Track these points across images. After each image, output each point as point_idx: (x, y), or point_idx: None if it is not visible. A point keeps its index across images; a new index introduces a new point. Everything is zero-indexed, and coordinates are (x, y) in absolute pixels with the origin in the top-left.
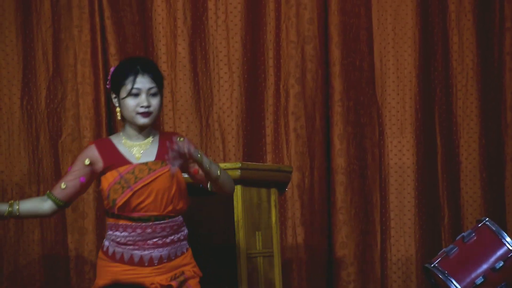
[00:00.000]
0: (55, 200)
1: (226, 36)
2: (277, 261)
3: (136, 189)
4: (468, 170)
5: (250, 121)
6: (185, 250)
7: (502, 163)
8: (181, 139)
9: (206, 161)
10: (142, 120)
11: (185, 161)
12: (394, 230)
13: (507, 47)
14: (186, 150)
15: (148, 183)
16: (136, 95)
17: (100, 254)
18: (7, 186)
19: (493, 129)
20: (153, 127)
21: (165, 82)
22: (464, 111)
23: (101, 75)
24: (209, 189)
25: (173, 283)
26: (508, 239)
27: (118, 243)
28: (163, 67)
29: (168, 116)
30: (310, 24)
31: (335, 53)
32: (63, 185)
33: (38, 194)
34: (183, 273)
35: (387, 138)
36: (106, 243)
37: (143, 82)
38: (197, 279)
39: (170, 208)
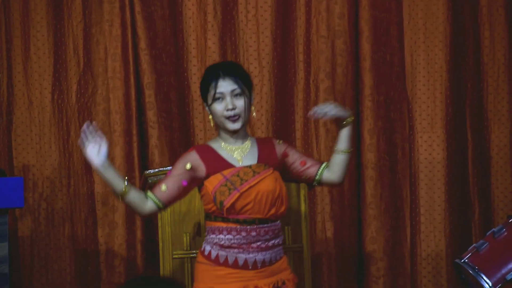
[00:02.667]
0: (155, 201)
1: (256, 31)
2: (306, 255)
3: (242, 190)
4: (499, 166)
5: (280, 115)
6: (282, 255)
7: None
8: (280, 141)
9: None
10: (231, 126)
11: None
12: (424, 225)
13: None
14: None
15: (253, 185)
16: (221, 99)
17: (200, 258)
18: (37, 180)
19: None
20: (246, 129)
21: (196, 77)
22: (495, 106)
23: (131, 70)
24: (317, 179)
25: None
26: None
27: (222, 246)
28: (193, 61)
29: (198, 111)
30: (341, 18)
31: (366, 47)
32: (163, 188)
33: (68, 188)
34: (284, 282)
35: (417, 133)
36: (208, 247)
37: (225, 86)
38: (294, 286)
39: (273, 211)
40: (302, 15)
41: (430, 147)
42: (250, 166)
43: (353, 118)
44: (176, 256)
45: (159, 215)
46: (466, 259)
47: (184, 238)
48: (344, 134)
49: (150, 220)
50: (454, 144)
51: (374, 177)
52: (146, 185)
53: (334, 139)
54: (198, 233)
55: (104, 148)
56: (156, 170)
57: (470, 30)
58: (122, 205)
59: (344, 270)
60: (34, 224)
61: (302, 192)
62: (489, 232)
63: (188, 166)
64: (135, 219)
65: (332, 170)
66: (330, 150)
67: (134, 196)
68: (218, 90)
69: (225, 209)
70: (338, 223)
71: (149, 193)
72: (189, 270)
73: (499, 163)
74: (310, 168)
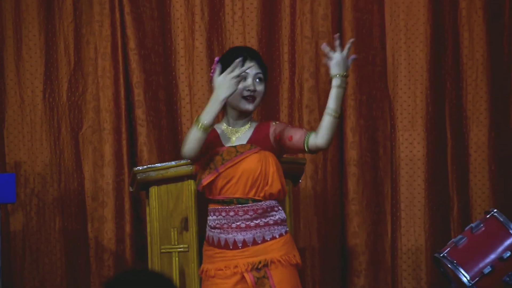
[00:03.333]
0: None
1: (242, 31)
2: None
3: (221, 171)
4: (477, 163)
5: (265, 113)
6: (277, 236)
7: (510, 155)
8: (276, 123)
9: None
10: (246, 106)
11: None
12: (404, 221)
13: None
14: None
15: (233, 165)
16: (244, 78)
17: (205, 240)
18: (29, 176)
19: (502, 122)
20: (252, 115)
21: (183, 76)
22: (474, 105)
23: (121, 69)
24: (306, 149)
25: (249, 277)
26: None
27: (210, 227)
28: (181, 61)
29: (186, 109)
30: (324, 20)
31: None
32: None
33: (59, 184)
34: (267, 263)
35: (398, 131)
36: (207, 230)
37: (253, 67)
38: (287, 269)
39: (253, 191)
40: (287, 16)
41: (410, 145)
42: (235, 147)
43: (343, 76)
44: (164, 250)
45: (147, 211)
46: (445, 253)
47: (172, 233)
48: (332, 94)
49: (139, 215)
50: (434, 142)
51: (356, 174)
52: (135, 182)
53: None
54: (186, 228)
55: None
56: (145, 167)
57: (450, 31)
58: (111, 200)
59: (327, 264)
60: (25, 218)
61: (287, 188)
62: (467, 227)
63: None
64: (124, 214)
65: (318, 134)
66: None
67: (204, 137)
68: (243, 69)
69: (201, 187)
70: (321, 218)
71: None
72: (176, 264)
73: (478, 160)
74: (298, 141)
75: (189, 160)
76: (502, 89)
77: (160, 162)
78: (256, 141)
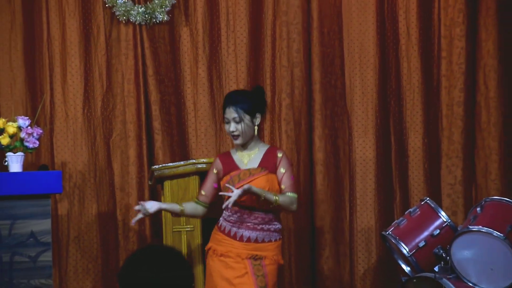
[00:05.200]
0: (202, 205)
1: (235, 61)
2: None
3: (237, 187)
4: (414, 163)
5: None
6: (272, 240)
7: (439, 157)
8: (280, 154)
9: (260, 194)
10: (234, 141)
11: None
12: (359, 207)
13: (443, 70)
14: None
15: (247, 183)
16: (227, 122)
17: (215, 227)
18: (72, 173)
19: (432, 131)
20: (258, 140)
21: (189, 96)
22: (412, 118)
23: (141, 91)
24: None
25: (248, 262)
26: (443, 213)
27: (226, 220)
28: (188, 84)
29: (191, 121)
30: (298, 53)
31: (316, 74)
32: (203, 192)
33: (95, 179)
34: (262, 258)
35: (354, 138)
36: (221, 220)
37: (230, 113)
38: (275, 265)
39: (262, 203)
40: (269, 50)
41: (364, 149)
42: (249, 169)
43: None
44: (175, 229)
45: (162, 199)
46: (389, 231)
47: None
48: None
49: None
50: (381, 146)
51: (322, 171)
52: (153, 177)
53: (293, 142)
54: None
55: (147, 208)
56: (160, 166)
57: (393, 62)
58: (134, 191)
59: (300, 241)
60: (69, 205)
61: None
62: (407, 211)
63: (215, 171)
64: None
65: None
66: (290, 151)
67: (189, 209)
68: (225, 116)
69: (225, 207)
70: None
71: (196, 201)
72: (184, 240)
73: (414, 160)
74: (282, 188)
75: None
76: (433, 106)
77: (172, 162)
78: (265, 166)
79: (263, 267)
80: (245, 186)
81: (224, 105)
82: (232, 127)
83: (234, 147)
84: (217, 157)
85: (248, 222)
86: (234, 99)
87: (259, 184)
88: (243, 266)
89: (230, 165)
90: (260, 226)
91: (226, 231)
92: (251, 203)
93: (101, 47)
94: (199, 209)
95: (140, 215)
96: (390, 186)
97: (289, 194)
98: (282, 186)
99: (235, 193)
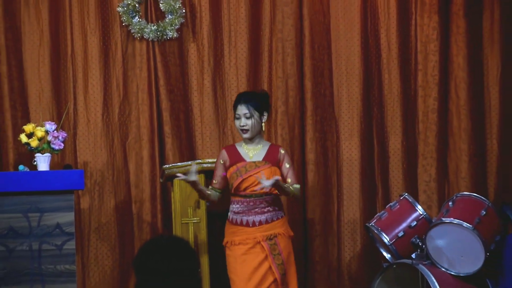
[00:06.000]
0: (217, 191)
1: (236, 73)
2: None
3: (245, 177)
4: (394, 162)
5: None
6: (280, 217)
7: (416, 157)
8: (282, 151)
9: (284, 188)
10: (243, 135)
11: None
12: (346, 201)
13: (419, 81)
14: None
15: (252, 174)
16: (238, 118)
17: (227, 222)
18: (93, 172)
19: (410, 135)
20: (262, 136)
21: (196, 104)
22: (392, 123)
23: (154, 99)
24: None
25: (265, 244)
26: (419, 207)
27: (234, 212)
28: (194, 94)
29: (198, 126)
30: (291, 65)
31: (308, 85)
32: (215, 181)
33: (113, 177)
34: (276, 235)
35: (341, 141)
36: (230, 215)
37: (240, 109)
38: (287, 239)
39: (266, 190)
40: (266, 63)
41: (350, 150)
42: (255, 162)
43: (282, 190)
44: (183, 222)
45: (172, 195)
46: (372, 223)
47: (188, 210)
48: (279, 190)
49: (166, 198)
50: (365, 148)
51: (313, 170)
52: (164, 175)
53: (288, 145)
54: (198, 207)
55: (192, 174)
56: (170, 165)
57: (376, 73)
58: (148, 188)
59: (294, 231)
60: (90, 200)
61: None
62: (388, 205)
63: (221, 161)
64: (156, 197)
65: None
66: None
67: (211, 194)
68: (237, 112)
69: (233, 188)
70: (290, 200)
71: (211, 188)
72: (192, 231)
73: (394, 161)
74: (283, 176)
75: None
76: (410, 113)
77: (180, 162)
78: (269, 160)
79: (277, 245)
80: (276, 178)
81: (236, 103)
82: (243, 122)
83: (239, 141)
84: (223, 149)
85: (256, 208)
86: (246, 97)
87: (266, 175)
88: (261, 250)
89: (236, 157)
90: (266, 208)
91: (239, 222)
92: (257, 191)
93: (118, 61)
94: (214, 195)
95: (183, 177)
96: (373, 183)
97: (296, 185)
98: (289, 180)
99: (269, 183)
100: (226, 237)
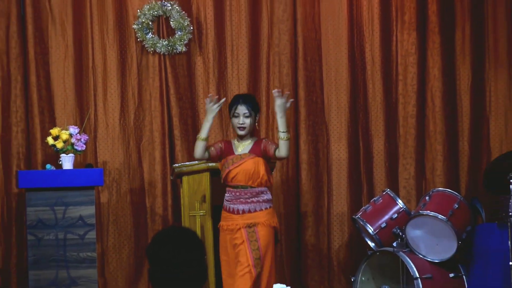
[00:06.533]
0: (208, 152)
1: (237, 83)
2: None
3: (231, 168)
4: (377, 162)
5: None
6: (264, 208)
7: (397, 158)
8: (265, 140)
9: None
10: (240, 132)
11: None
12: (335, 197)
13: (400, 90)
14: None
15: (237, 166)
16: (237, 116)
17: (223, 207)
18: (111, 170)
19: (392, 138)
20: (252, 134)
21: (202, 110)
22: (375, 127)
23: (165, 106)
24: (273, 158)
25: (244, 231)
26: (400, 201)
27: (226, 200)
28: (201, 101)
29: None
30: (287, 76)
31: (301, 93)
32: (212, 149)
33: (129, 174)
34: (255, 224)
35: (331, 143)
36: (224, 202)
37: (242, 109)
38: (267, 228)
39: (250, 182)
40: (265, 74)
41: (338, 152)
42: (240, 155)
43: (282, 116)
44: (191, 214)
45: (181, 191)
46: (358, 215)
47: (196, 204)
48: (279, 123)
49: (176, 193)
50: (352, 150)
51: (306, 169)
52: (174, 173)
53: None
54: (204, 201)
55: (215, 104)
56: (179, 164)
57: (361, 83)
58: (159, 184)
59: (288, 223)
60: (109, 195)
61: (273, 180)
62: (372, 200)
63: (221, 145)
64: (167, 192)
65: (279, 150)
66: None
67: (203, 144)
68: (236, 111)
69: (222, 179)
70: (286, 194)
71: (208, 149)
72: (198, 222)
73: (378, 160)
74: (270, 151)
75: (201, 160)
76: (392, 118)
77: (188, 162)
78: (254, 151)
79: (256, 233)
80: (288, 105)
81: (235, 103)
82: (241, 120)
83: (233, 138)
84: (222, 141)
85: (241, 198)
86: (246, 99)
87: (247, 166)
88: (240, 236)
89: (228, 150)
90: (251, 199)
91: (228, 209)
92: (245, 182)
93: (133, 72)
94: (205, 153)
95: (216, 105)
96: (359, 180)
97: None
98: (269, 149)
99: (282, 106)
100: (221, 221)
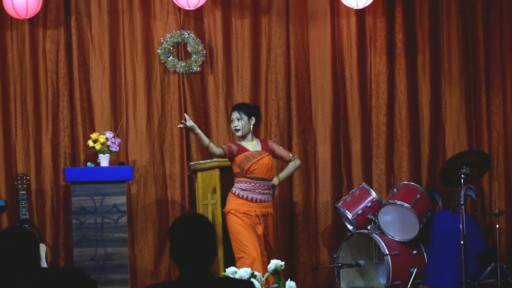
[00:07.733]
0: (222, 149)
1: (242, 97)
2: None
3: (254, 161)
4: (356, 160)
5: (257, 133)
6: (271, 199)
7: (371, 157)
8: (270, 142)
9: (282, 178)
10: (236, 133)
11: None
12: (320, 189)
13: (373, 103)
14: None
15: (258, 160)
16: (232, 121)
17: (230, 194)
18: (139, 167)
19: (367, 141)
20: (254, 135)
21: (213, 118)
22: (354, 133)
23: (183, 116)
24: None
25: (261, 219)
26: (373, 192)
27: (241, 189)
28: (212, 111)
29: (214, 135)
30: (282, 91)
31: (293, 105)
32: (224, 147)
33: (153, 171)
34: (268, 213)
35: (318, 145)
36: (234, 189)
37: (234, 114)
38: (272, 216)
39: (267, 175)
40: (264, 89)
41: (324, 152)
42: (257, 151)
43: (276, 182)
44: (204, 203)
45: (196, 184)
46: (340, 204)
47: (208, 195)
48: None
49: (192, 186)
50: (335, 151)
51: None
52: (190, 170)
53: (280, 144)
54: (214, 192)
55: (187, 123)
56: (195, 162)
57: (342, 97)
58: (178, 179)
59: (283, 211)
60: (138, 188)
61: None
62: (350, 191)
63: (233, 146)
64: (185, 185)
65: (295, 162)
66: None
67: (214, 147)
68: (231, 117)
69: (244, 170)
70: (281, 187)
71: (220, 147)
72: (210, 210)
73: (355, 159)
74: (286, 157)
75: (219, 156)
76: (367, 125)
77: (202, 160)
78: (265, 149)
79: (267, 221)
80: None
81: (231, 111)
82: (235, 123)
83: (237, 140)
84: (232, 142)
85: (259, 189)
86: (238, 106)
87: (265, 161)
88: (257, 221)
89: (242, 149)
90: (266, 191)
91: (245, 197)
92: (263, 175)
93: (157, 88)
94: (220, 150)
95: (181, 126)
96: (340, 175)
97: (294, 159)
98: (285, 156)
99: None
100: (230, 206)
